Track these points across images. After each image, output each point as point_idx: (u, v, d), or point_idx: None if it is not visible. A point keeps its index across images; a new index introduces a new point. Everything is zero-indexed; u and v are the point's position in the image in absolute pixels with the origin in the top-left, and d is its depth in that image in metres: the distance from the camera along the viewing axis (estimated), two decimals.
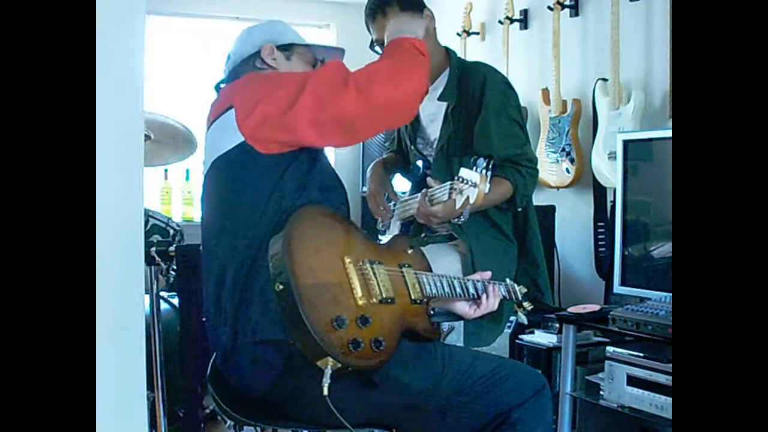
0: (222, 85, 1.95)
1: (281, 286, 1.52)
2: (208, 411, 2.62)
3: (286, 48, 1.93)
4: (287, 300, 1.51)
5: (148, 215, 2.83)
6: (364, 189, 3.00)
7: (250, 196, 1.67)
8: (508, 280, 2.06)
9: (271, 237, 1.61)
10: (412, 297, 1.74)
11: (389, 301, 1.66)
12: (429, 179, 2.29)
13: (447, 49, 2.60)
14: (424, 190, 2.26)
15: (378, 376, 1.61)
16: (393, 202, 2.60)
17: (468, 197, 1.97)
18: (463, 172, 1.98)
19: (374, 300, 1.63)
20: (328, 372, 1.50)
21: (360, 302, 1.59)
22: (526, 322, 2.15)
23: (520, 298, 2.04)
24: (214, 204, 1.76)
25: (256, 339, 1.61)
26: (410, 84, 1.72)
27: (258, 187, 1.67)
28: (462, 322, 2.39)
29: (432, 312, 1.85)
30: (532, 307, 2.11)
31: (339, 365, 1.50)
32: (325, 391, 1.49)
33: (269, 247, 1.59)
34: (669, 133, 2.58)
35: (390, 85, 1.68)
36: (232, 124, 1.70)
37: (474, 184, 1.95)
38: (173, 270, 2.34)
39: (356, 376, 1.59)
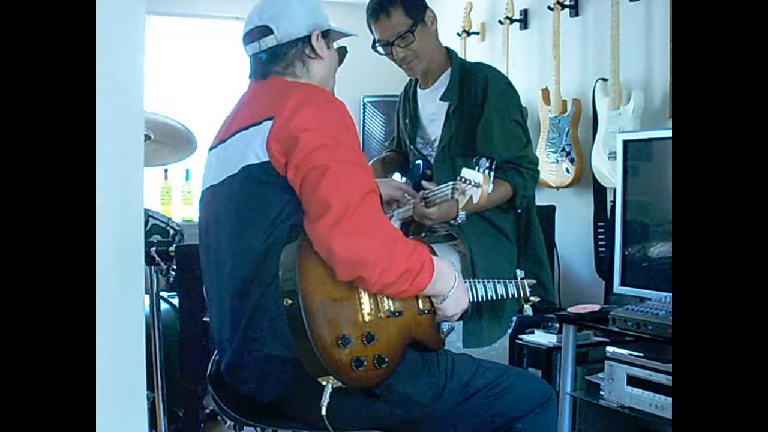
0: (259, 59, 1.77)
1: (290, 302, 1.50)
2: (208, 411, 2.62)
3: (325, 34, 1.81)
4: (294, 316, 1.50)
5: (148, 215, 2.83)
6: None
7: (268, 208, 1.61)
8: (519, 274, 2.06)
9: (284, 246, 1.57)
10: (421, 307, 1.70)
11: (397, 314, 1.63)
12: (424, 182, 2.31)
13: (448, 49, 2.60)
14: (421, 192, 2.27)
15: (380, 389, 1.60)
16: None
17: (471, 197, 1.97)
18: (466, 172, 1.98)
19: (382, 314, 1.60)
20: (328, 391, 1.49)
21: (367, 318, 1.57)
22: (531, 314, 2.15)
23: (527, 294, 2.04)
24: (229, 211, 1.68)
25: (265, 353, 1.60)
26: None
27: (276, 200, 1.61)
28: (461, 322, 2.39)
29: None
30: (539, 299, 2.11)
31: (340, 384, 1.50)
32: (323, 411, 1.48)
33: (282, 254, 1.56)
34: (669, 133, 2.58)
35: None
36: (263, 138, 1.61)
37: (477, 184, 1.94)
38: (173, 270, 2.34)
39: (358, 389, 1.58)
